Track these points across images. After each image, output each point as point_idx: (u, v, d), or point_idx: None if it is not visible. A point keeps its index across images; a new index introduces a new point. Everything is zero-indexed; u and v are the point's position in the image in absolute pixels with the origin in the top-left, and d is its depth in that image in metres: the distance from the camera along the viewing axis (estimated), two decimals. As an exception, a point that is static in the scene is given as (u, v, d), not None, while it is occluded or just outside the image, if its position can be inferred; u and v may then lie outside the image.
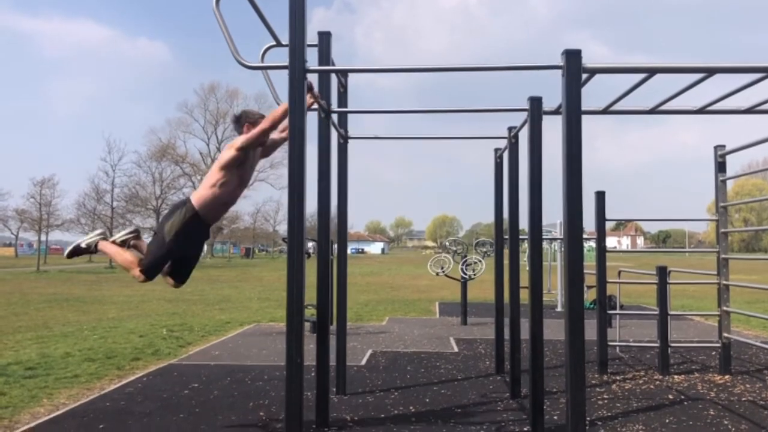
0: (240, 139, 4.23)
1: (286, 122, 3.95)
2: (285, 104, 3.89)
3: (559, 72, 3.41)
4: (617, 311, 8.13)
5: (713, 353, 7.48)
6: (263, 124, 4.16)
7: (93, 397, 5.55)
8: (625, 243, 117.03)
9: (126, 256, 4.44)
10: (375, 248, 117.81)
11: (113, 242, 4.60)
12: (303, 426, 3.35)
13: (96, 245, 4.59)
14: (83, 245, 4.63)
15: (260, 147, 4.44)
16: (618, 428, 4.69)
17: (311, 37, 4.08)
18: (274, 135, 4.55)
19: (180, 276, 4.51)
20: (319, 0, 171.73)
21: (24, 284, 22.88)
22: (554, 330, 9.23)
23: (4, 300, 16.10)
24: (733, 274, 7.19)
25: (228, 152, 4.23)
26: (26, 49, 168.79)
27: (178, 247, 4.29)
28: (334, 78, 5.07)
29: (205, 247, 66.77)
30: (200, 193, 4.28)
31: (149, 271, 4.33)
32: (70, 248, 4.66)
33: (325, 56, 4.75)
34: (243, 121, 4.34)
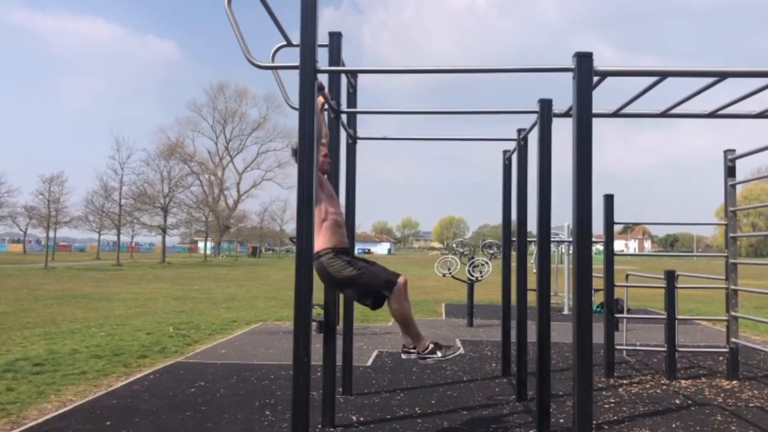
0: None
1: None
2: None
3: (570, 74, 3.40)
4: (624, 315, 8.10)
5: (721, 358, 7.45)
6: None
7: (100, 393, 5.58)
8: (633, 246, 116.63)
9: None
10: (381, 249, 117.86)
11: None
12: (309, 426, 3.35)
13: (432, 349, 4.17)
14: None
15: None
16: (624, 432, 4.67)
17: (321, 37, 4.07)
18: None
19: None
20: (328, 0, 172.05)
21: (32, 280, 23.01)
22: (561, 333, 9.20)
23: (13, 296, 16.20)
24: (742, 279, 7.15)
25: None
26: (36, 46, 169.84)
27: (355, 287, 4.16)
28: (343, 78, 5.07)
29: (212, 245, 67.30)
30: (318, 239, 4.07)
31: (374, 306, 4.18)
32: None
33: (335, 57, 4.76)
34: None
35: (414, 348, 4.21)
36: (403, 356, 4.30)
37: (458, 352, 4.28)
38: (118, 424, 4.62)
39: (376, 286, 4.10)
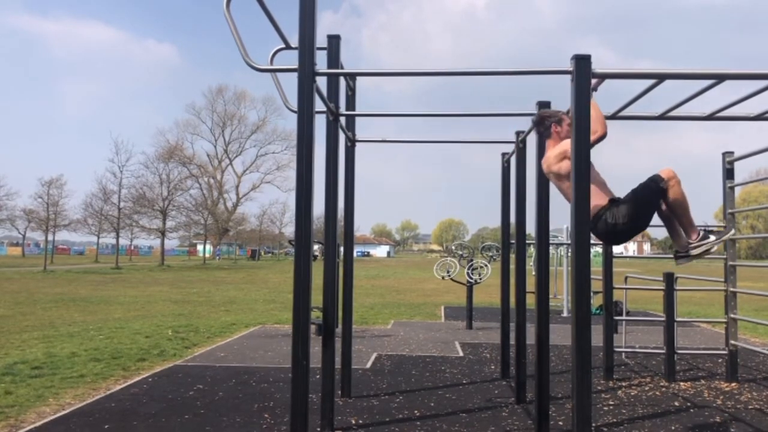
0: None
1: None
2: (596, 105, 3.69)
3: (568, 77, 3.40)
4: (623, 317, 8.10)
5: (720, 360, 7.44)
6: (601, 131, 3.73)
7: (99, 397, 5.57)
8: (632, 249, 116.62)
9: None
10: (381, 251, 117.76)
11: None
12: (308, 429, 3.34)
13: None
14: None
15: None
16: (624, 435, 4.66)
17: (320, 40, 4.07)
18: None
19: None
20: (327, 3, 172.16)
21: (31, 284, 22.98)
22: (560, 335, 9.21)
23: (11, 299, 16.18)
24: (741, 281, 7.15)
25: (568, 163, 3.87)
26: (36, 50, 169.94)
27: (639, 207, 3.83)
28: (342, 81, 5.07)
29: (211, 248, 67.27)
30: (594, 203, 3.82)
31: None
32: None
33: (334, 59, 4.76)
34: (549, 122, 4.22)
35: (689, 243, 3.98)
36: (679, 262, 4.06)
37: (731, 232, 4.07)
38: (116, 428, 4.61)
39: (650, 188, 3.87)
